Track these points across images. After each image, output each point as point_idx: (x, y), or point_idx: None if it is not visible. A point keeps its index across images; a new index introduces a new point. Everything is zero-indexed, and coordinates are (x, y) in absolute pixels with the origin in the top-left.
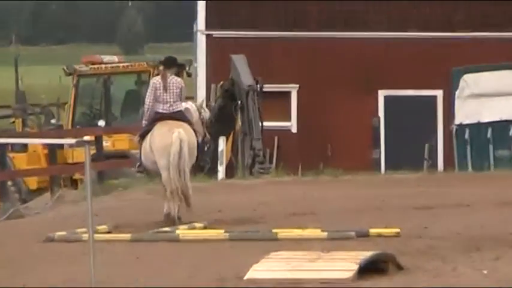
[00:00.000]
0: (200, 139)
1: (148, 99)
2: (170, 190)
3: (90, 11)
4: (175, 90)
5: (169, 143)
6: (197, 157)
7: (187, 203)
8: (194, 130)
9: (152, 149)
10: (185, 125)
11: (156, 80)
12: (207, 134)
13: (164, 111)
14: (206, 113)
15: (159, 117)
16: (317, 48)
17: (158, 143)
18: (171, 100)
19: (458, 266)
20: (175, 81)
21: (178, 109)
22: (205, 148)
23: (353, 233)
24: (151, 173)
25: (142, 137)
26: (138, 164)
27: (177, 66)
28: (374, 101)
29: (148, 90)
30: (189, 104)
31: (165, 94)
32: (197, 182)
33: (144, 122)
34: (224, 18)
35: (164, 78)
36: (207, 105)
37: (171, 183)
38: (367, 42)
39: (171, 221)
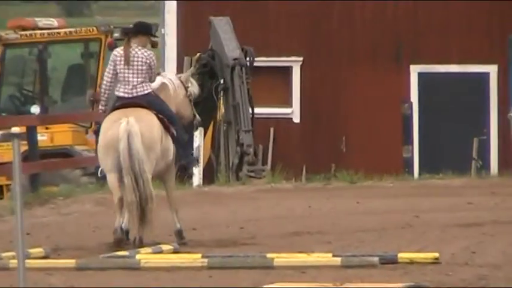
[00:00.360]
0: (175, 130)
1: (106, 77)
2: (119, 197)
3: None
4: (140, 68)
5: (115, 137)
6: (180, 154)
7: (145, 221)
8: (162, 118)
9: None
10: (142, 111)
11: (117, 52)
12: (197, 115)
13: (125, 95)
14: (194, 87)
15: (117, 105)
16: (327, 9)
17: (102, 139)
18: (135, 80)
19: None
20: (141, 54)
21: (145, 92)
22: (185, 138)
23: (376, 259)
24: None
25: (99, 133)
26: (100, 168)
27: (150, 35)
28: (404, 80)
29: (108, 66)
30: (168, 79)
31: (126, 71)
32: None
33: (100, 108)
34: None
35: (126, 50)
36: None
37: (127, 193)
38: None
39: (119, 239)
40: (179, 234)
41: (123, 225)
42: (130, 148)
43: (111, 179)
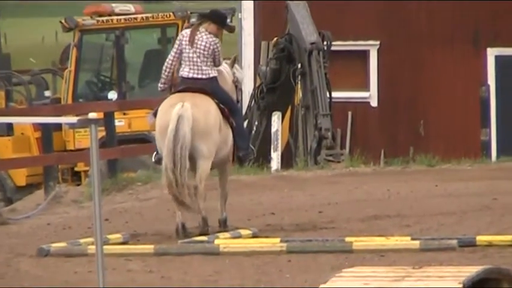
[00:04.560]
0: (236, 121)
1: (170, 55)
2: (166, 184)
3: None
4: (203, 51)
5: (168, 122)
6: (238, 145)
7: (185, 205)
8: (224, 108)
9: None
10: (201, 97)
11: (184, 33)
12: (239, 99)
13: (189, 75)
14: (240, 73)
15: (180, 89)
16: None
17: (157, 122)
18: (199, 60)
19: None
20: (206, 38)
21: (210, 75)
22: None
23: (454, 242)
24: None
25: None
26: (155, 152)
27: (222, 25)
28: (482, 63)
29: (174, 45)
30: (222, 66)
31: (191, 52)
32: (243, 176)
33: (159, 86)
34: None
35: (193, 32)
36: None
37: (165, 173)
38: None
39: (179, 233)
40: (224, 222)
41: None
42: (178, 131)
43: (164, 167)
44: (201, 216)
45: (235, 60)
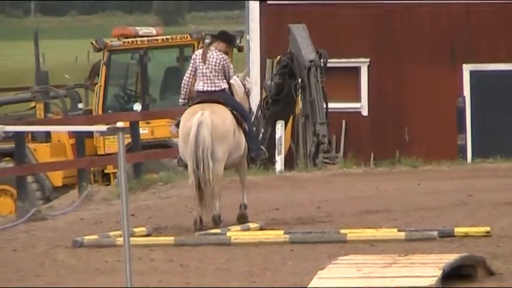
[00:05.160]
0: (247, 126)
1: (187, 73)
2: (190, 184)
3: None
4: (215, 67)
5: (190, 128)
6: (250, 147)
7: (204, 203)
8: (236, 114)
9: None
10: (217, 106)
11: (197, 52)
12: (251, 106)
13: (204, 88)
14: (250, 85)
15: (197, 101)
16: (391, 15)
17: (180, 130)
18: (211, 75)
19: None
20: (216, 55)
21: (222, 87)
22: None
23: (435, 233)
24: None
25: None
26: (179, 157)
27: (230, 43)
28: (458, 78)
29: (190, 65)
30: (233, 79)
31: (204, 68)
32: (250, 176)
33: (180, 101)
34: None
35: (205, 50)
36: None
37: (189, 175)
38: (450, 5)
39: (196, 225)
40: (244, 207)
41: (215, 211)
42: (198, 135)
43: (189, 169)
44: (213, 214)
45: (247, 74)
